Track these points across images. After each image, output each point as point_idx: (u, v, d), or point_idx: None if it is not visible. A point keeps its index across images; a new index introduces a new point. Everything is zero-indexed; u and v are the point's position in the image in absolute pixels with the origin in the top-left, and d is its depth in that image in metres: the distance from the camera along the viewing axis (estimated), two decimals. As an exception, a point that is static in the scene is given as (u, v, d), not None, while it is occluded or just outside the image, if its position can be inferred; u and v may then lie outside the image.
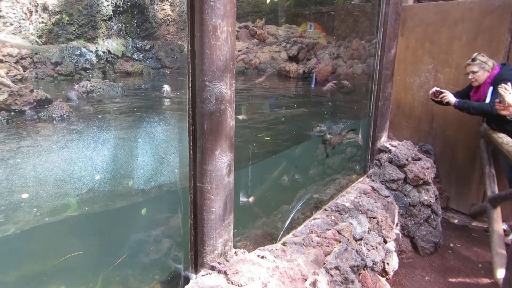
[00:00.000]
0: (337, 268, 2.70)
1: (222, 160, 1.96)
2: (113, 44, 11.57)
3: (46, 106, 4.93)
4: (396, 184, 3.99)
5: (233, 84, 2.00)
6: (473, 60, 3.96)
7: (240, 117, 5.03)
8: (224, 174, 1.98)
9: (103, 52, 11.11)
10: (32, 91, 4.88)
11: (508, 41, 4.30)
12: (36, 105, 4.87)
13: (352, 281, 2.73)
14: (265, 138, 3.96)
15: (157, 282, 2.16)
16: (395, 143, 4.32)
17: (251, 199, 3.78)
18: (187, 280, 2.03)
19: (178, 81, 10.15)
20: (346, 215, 3.36)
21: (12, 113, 4.68)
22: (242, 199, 3.74)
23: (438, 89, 4.17)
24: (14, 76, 8.31)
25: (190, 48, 1.96)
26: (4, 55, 8.74)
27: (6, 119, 4.55)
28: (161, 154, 3.22)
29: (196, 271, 2.06)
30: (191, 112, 1.99)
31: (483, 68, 3.90)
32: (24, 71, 8.93)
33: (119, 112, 5.53)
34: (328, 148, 4.00)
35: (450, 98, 4.02)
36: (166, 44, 12.67)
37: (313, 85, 9.38)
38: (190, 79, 1.98)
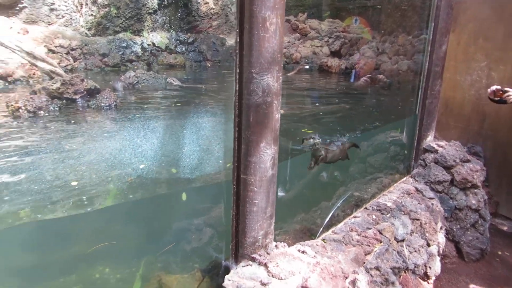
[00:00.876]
0: (377, 268, 2.64)
1: (267, 153, 1.96)
2: (158, 37, 11.85)
3: (95, 95, 5.14)
4: (442, 186, 3.84)
5: (280, 77, 1.99)
6: None
7: (281, 111, 5.00)
8: (268, 166, 1.98)
9: (148, 45, 11.40)
10: (82, 80, 5.10)
11: None
12: (86, 94, 5.09)
13: (393, 283, 2.67)
14: (306, 132, 3.92)
15: (198, 270, 2.20)
16: (442, 143, 4.15)
17: (289, 193, 3.77)
18: (227, 270, 2.06)
19: (219, 74, 10.26)
20: (388, 215, 3.28)
21: (64, 101, 4.92)
22: (281, 193, 3.74)
23: (499, 87, 3.88)
24: (65, 66, 8.71)
25: (238, 40, 1.97)
26: (56, 46, 9.17)
27: (59, 106, 4.79)
28: (206, 144, 3.28)
29: (236, 261, 2.09)
30: (237, 103, 2.00)
31: None
32: (74, 62, 9.35)
33: (163, 102, 5.67)
34: (317, 163, 3.38)
35: None
36: (208, 38, 12.83)
37: (351, 80, 9.12)
38: (238, 71, 2.00)
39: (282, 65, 1.99)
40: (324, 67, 10.76)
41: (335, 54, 11.67)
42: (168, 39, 11.94)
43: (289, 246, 2.22)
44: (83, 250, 2.41)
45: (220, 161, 2.72)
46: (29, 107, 4.55)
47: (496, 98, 3.88)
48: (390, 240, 3.02)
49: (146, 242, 2.51)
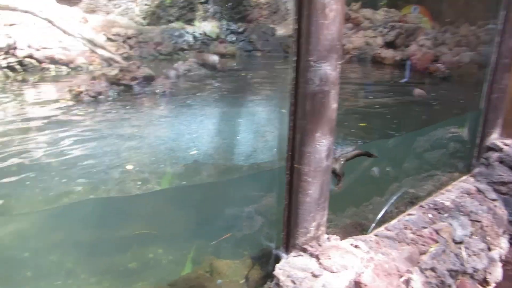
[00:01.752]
0: (433, 269, 2.54)
1: (322, 143, 1.93)
2: (209, 26, 12.02)
3: (150, 82, 5.33)
4: (507, 187, 3.59)
5: (339, 66, 1.94)
6: None
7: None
8: (323, 157, 1.95)
9: (199, 34, 11.60)
10: (139, 67, 5.31)
11: None
12: (142, 81, 5.29)
13: (449, 286, 2.56)
14: (359, 124, 3.83)
15: (249, 257, 2.23)
16: (508, 141, 3.88)
17: (339, 186, 3.71)
18: (277, 259, 2.06)
19: (268, 64, 10.24)
20: (446, 215, 3.13)
21: (122, 87, 5.14)
22: (331, 186, 3.68)
23: None
24: (122, 54, 9.08)
25: (296, 27, 1.93)
26: (113, 35, 9.57)
27: (117, 92, 5.02)
28: (258, 132, 3.30)
29: (287, 251, 2.09)
30: (293, 92, 1.98)
31: None
32: (130, 50, 9.72)
33: (215, 90, 5.77)
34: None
35: None
36: (258, 27, 12.83)
37: (406, 76, 8.49)
38: (295, 58, 1.97)
39: (340, 53, 1.94)
40: (377, 58, 10.41)
41: (389, 45, 11.23)
42: (219, 28, 12.08)
43: (341, 240, 2.19)
44: (137, 230, 2.52)
45: (274, 149, 2.72)
46: (90, 92, 4.81)
47: None
48: (447, 241, 2.88)
49: (197, 227, 2.58)
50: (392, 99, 5.77)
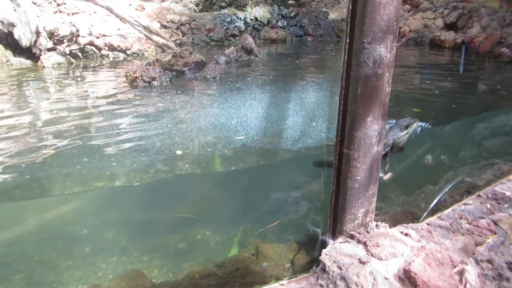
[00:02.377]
0: (489, 261, 2.39)
1: (373, 128, 1.86)
2: (260, 11, 11.94)
3: (202, 68, 5.41)
4: None
5: (394, 47, 1.85)
6: None
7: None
8: (373, 142, 1.88)
9: (251, 19, 11.56)
10: (191, 53, 5.40)
11: None
12: (194, 66, 5.38)
13: (508, 279, 2.40)
14: (413, 109, 3.66)
15: (294, 242, 2.23)
16: None
17: (389, 174, 3.59)
18: (324, 245, 2.04)
19: (319, 49, 10.02)
20: (506, 205, 2.93)
21: (174, 73, 5.27)
22: (380, 174, 3.57)
23: None
24: (175, 40, 9.30)
25: (350, 7, 1.86)
26: (167, 22, 9.81)
27: (170, 77, 5.16)
28: (308, 117, 3.25)
29: (333, 237, 2.06)
30: (344, 75, 1.92)
31: None
32: (183, 36, 9.92)
33: (265, 75, 5.75)
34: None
35: None
36: (310, 12, 12.55)
37: (461, 67, 7.49)
38: (347, 40, 1.90)
39: (397, 35, 1.85)
40: (436, 41, 9.82)
41: (450, 27, 10.53)
42: (271, 13, 11.96)
43: (390, 228, 2.12)
44: (186, 212, 2.60)
45: (323, 134, 2.67)
46: (144, 78, 4.98)
47: None
48: (507, 233, 2.70)
49: (244, 210, 2.61)
50: (450, 84, 5.44)
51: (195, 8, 11.23)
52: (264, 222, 2.54)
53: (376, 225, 2.04)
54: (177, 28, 9.96)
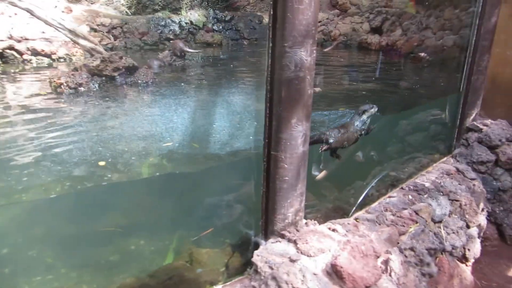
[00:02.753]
0: (412, 249, 2.57)
1: (298, 129, 1.92)
2: (195, 15, 11.83)
3: (133, 73, 5.23)
4: (485, 166, 3.64)
5: (314, 51, 1.92)
6: None
7: (316, 89, 4.89)
8: (299, 143, 1.93)
9: (186, 23, 11.41)
10: (121, 58, 5.20)
11: None
12: (125, 71, 5.19)
13: (428, 264, 2.59)
14: (339, 109, 3.83)
15: (228, 245, 2.22)
16: (487, 121, 3.91)
17: (323, 172, 3.72)
18: (257, 246, 2.06)
19: (255, 52, 10.15)
20: (425, 196, 3.16)
21: (104, 78, 5.04)
22: (315, 172, 3.70)
23: None
24: (106, 44, 8.92)
25: (271, 12, 1.90)
26: (98, 25, 9.38)
27: (98, 83, 4.92)
28: (236, 121, 3.27)
29: (266, 238, 2.08)
30: (269, 79, 1.95)
31: None
32: (114, 40, 9.55)
33: (199, 80, 5.70)
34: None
35: None
36: (245, 15, 12.66)
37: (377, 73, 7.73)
38: (270, 45, 1.94)
39: (316, 39, 1.92)
40: (363, 44, 10.37)
41: (375, 30, 11.19)
42: (206, 17, 11.89)
43: (320, 225, 2.19)
44: (117, 222, 2.50)
45: (251, 137, 2.70)
46: (70, 84, 4.71)
47: None
48: (426, 221, 2.92)
49: (179, 217, 2.56)
50: (375, 84, 5.77)
51: (127, 11, 10.86)
52: (200, 228, 2.51)
53: (306, 223, 2.10)
54: (108, 32, 9.56)
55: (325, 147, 3.06)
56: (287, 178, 1.96)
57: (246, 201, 2.42)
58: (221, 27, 12.07)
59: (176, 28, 11.09)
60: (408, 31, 9.46)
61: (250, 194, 2.33)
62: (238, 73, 6.37)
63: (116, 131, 3.15)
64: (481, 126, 3.83)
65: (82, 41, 5.89)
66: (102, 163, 2.51)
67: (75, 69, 5.15)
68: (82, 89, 4.71)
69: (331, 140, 3.08)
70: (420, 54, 7.58)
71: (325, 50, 10.34)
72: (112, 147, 2.77)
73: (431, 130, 4.24)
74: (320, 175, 3.73)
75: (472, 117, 3.93)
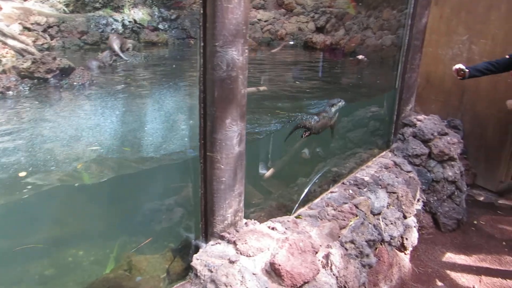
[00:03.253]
0: (352, 241, 2.65)
1: (233, 129, 1.91)
2: (139, 13, 11.49)
3: (69, 74, 4.97)
4: (420, 159, 3.85)
5: (246, 50, 1.92)
6: None
7: (261, 88, 4.94)
8: (234, 143, 1.93)
9: (129, 22, 11.05)
10: (55, 58, 4.92)
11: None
12: (60, 73, 4.91)
13: (367, 255, 2.68)
14: (276, 111, 3.89)
15: (169, 250, 2.17)
16: (420, 117, 4.14)
17: (271, 170, 3.75)
18: (197, 249, 2.03)
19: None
20: (365, 189, 3.28)
21: (36, 80, 4.74)
22: (262, 170, 3.72)
23: (460, 66, 3.63)
24: (42, 44, 8.41)
25: (202, 11, 1.88)
26: (32, 24, 8.84)
27: (29, 86, 4.62)
28: (173, 122, 3.21)
29: (206, 240, 2.06)
30: (202, 79, 1.93)
31: None
32: (51, 40, 9.03)
33: (140, 81, 5.53)
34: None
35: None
36: (191, 14, 12.48)
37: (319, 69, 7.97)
38: (202, 44, 1.92)
39: (247, 38, 1.92)
40: (309, 43, 10.60)
41: (320, 30, 11.49)
42: (150, 15, 11.59)
43: (261, 223, 2.20)
44: (51, 234, 2.36)
45: (186, 138, 2.66)
46: (-4, 88, 4.37)
47: (459, 77, 3.66)
48: (366, 214, 3.03)
49: (119, 224, 2.47)
50: (319, 82, 5.91)
51: (65, 8, 10.32)
52: (140, 233, 2.43)
53: (246, 223, 2.10)
54: (44, 31, 9.03)
55: (307, 133, 3.38)
56: (224, 179, 1.95)
57: (186, 203, 2.38)
58: (166, 26, 11.80)
59: (119, 26, 10.70)
60: (350, 30, 9.80)
61: (189, 197, 2.29)
62: (180, 73, 6.26)
63: (42, 137, 2.96)
64: (415, 121, 4.04)
65: (10, 41, 5.50)
66: (22, 174, 2.35)
67: (3, 72, 4.80)
68: (10, 93, 4.39)
69: (313, 124, 3.40)
70: (358, 57, 7.85)
71: (273, 51, 10.47)
72: (39, 154, 2.60)
73: (371, 126, 4.42)
74: (268, 173, 3.76)
75: (407, 113, 4.14)
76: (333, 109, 3.65)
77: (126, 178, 2.30)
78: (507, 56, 3.49)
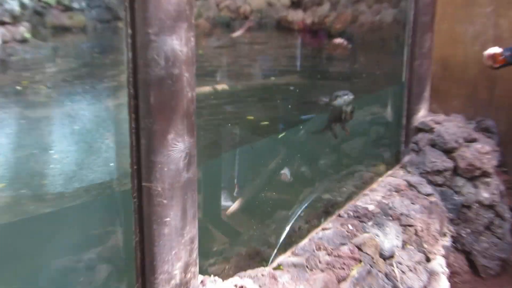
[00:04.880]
0: (356, 299, 2.66)
1: (178, 148, 1.88)
2: (43, -12, 11.38)
3: None
4: (443, 176, 3.92)
5: (192, 38, 1.91)
6: None
7: (219, 86, 4.94)
8: (181, 167, 1.90)
9: (31, 0, 10.91)
10: None
11: None
12: None
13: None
14: (248, 117, 3.90)
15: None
16: (439, 118, 4.24)
17: (237, 202, 3.72)
18: (133, 324, 1.97)
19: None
20: (370, 223, 3.31)
21: None
22: (225, 202, 3.69)
23: (497, 50, 3.62)
24: None
25: (127, -14, 1.86)
26: None
27: None
28: (92, 141, 3.14)
29: (146, 310, 2.00)
30: (131, 79, 1.89)
31: None
32: None
33: (43, 83, 5.42)
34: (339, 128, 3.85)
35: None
36: (118, -13, 12.49)
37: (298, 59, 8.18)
38: (130, 32, 1.88)
39: (193, 22, 1.91)
40: (283, 23, 10.75)
41: (298, 5, 11.69)
42: (60, -10, 11.51)
43: (223, 281, 2.16)
44: None
45: (111, 164, 2.60)
46: None
47: (496, 65, 3.71)
48: (373, 258, 3.05)
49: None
50: (297, 76, 5.98)
51: None
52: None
53: (202, 282, 2.06)
54: None
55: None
56: (168, 219, 1.90)
57: (114, 257, 2.31)
58: (83, 4, 11.75)
59: (15, 7, 10.56)
60: (337, 5, 10.03)
61: (118, 247, 2.23)
62: (103, 71, 6.18)
63: None
64: (432, 125, 4.13)
65: None
66: None
67: None
68: None
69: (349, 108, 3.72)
70: (334, 41, 7.62)
71: (234, 35, 10.54)
72: None
73: (373, 133, 4.48)
74: (234, 206, 3.73)
75: (420, 114, 4.23)
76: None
77: (19, 225, 2.20)
78: None
